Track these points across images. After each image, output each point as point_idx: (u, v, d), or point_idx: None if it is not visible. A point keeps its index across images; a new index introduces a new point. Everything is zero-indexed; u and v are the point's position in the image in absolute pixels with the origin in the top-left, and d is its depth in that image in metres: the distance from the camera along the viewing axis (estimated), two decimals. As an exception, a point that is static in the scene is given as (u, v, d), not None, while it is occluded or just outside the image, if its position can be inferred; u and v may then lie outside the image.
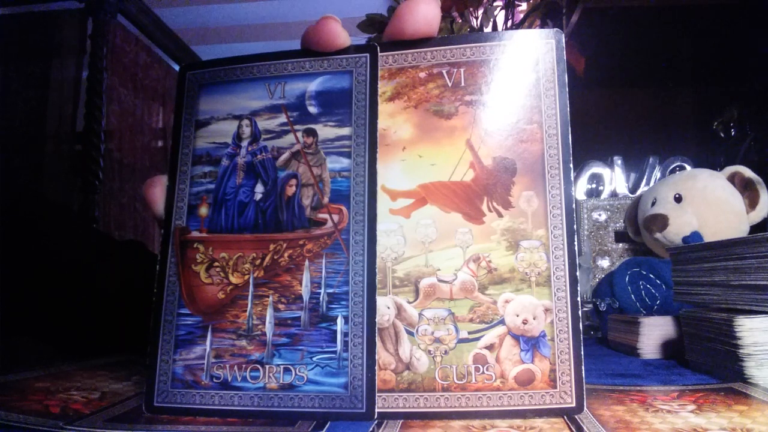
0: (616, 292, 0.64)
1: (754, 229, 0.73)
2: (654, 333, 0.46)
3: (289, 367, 0.28)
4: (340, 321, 0.28)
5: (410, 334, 0.28)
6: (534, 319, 0.27)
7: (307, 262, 0.29)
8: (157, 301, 0.30)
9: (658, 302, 0.61)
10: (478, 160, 0.29)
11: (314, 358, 0.28)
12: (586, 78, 0.96)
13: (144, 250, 0.62)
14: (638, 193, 0.87)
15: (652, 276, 0.62)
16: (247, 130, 0.32)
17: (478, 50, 0.30)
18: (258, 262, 0.30)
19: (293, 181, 0.31)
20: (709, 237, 0.69)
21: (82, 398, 0.31)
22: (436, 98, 0.30)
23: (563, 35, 0.30)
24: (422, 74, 0.31)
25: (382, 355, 0.28)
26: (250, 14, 2.64)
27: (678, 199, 0.73)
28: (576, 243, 0.28)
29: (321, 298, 0.28)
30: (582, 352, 0.27)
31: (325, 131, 0.31)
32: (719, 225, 0.70)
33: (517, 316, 0.28)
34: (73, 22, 1.80)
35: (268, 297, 0.29)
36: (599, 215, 0.85)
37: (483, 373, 0.27)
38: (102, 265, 0.56)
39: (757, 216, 0.72)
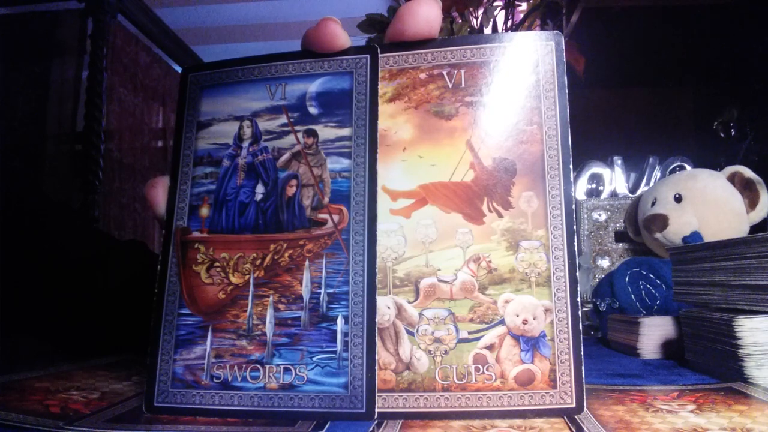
0: (616, 292, 0.64)
1: (754, 229, 0.73)
2: (654, 333, 0.46)
3: (289, 367, 0.28)
4: (340, 321, 0.28)
5: (410, 334, 0.28)
6: (534, 319, 0.27)
7: (307, 262, 0.29)
8: (157, 301, 0.30)
9: (658, 302, 0.61)
10: (479, 161, 0.29)
11: (314, 358, 0.28)
12: (586, 78, 0.96)
13: (145, 250, 0.62)
14: (638, 193, 0.87)
15: (652, 276, 0.62)
16: (248, 131, 0.32)
17: (478, 52, 0.30)
18: (258, 262, 0.30)
19: (294, 182, 0.31)
20: (709, 237, 0.69)
21: (82, 398, 0.31)
22: (437, 99, 0.30)
23: (563, 37, 0.30)
24: (423, 75, 0.31)
25: (382, 355, 0.28)
26: (250, 14, 2.64)
27: (678, 199, 0.73)
28: (576, 243, 0.28)
29: (321, 298, 0.28)
30: (582, 352, 0.27)
31: (326, 132, 0.31)
32: (719, 225, 0.71)
33: (517, 316, 0.28)
34: (73, 22, 1.80)
35: (268, 297, 0.29)
36: (599, 215, 0.85)
37: (483, 373, 0.27)
38: (103, 264, 0.56)
39: (757, 216, 0.72)
